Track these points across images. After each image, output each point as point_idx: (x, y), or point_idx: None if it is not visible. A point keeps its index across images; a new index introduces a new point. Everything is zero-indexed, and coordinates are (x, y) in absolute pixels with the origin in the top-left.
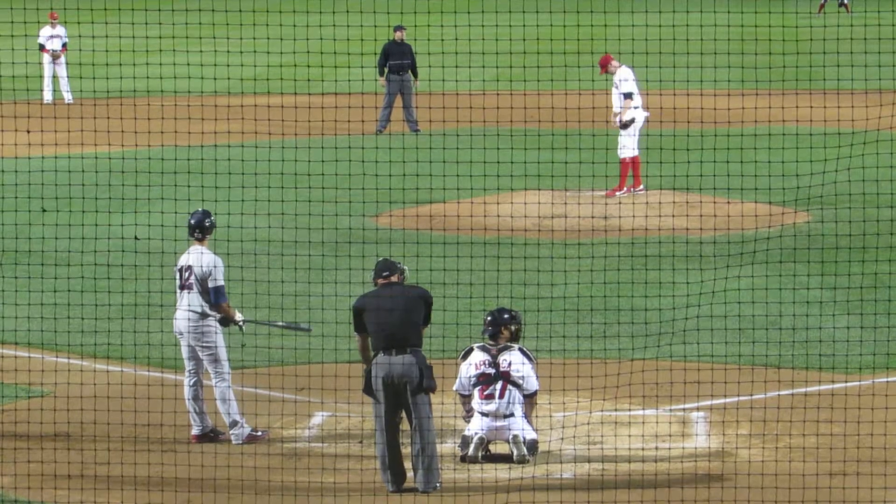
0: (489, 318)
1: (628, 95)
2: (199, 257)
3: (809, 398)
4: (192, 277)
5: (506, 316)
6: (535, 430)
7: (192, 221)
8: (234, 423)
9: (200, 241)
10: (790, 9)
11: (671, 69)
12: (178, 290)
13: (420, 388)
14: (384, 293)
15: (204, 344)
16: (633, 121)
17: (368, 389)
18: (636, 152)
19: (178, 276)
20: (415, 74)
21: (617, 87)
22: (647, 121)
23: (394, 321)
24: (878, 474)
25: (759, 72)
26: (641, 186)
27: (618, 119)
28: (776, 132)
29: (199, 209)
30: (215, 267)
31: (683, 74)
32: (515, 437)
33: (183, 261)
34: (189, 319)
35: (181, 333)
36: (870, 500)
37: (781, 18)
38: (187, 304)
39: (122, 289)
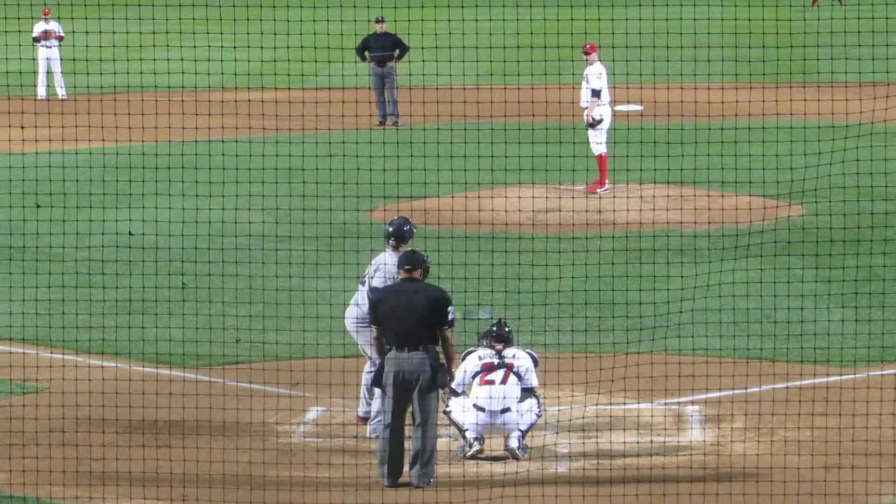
0: (495, 333)
1: (596, 93)
2: (384, 258)
3: (804, 391)
4: (377, 278)
5: (507, 329)
6: (532, 411)
7: (390, 228)
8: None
9: (395, 249)
10: (784, 2)
11: (664, 62)
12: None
13: (431, 386)
14: (403, 289)
15: (363, 339)
16: (601, 120)
17: (378, 382)
18: (605, 150)
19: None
20: (402, 52)
21: (587, 82)
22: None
23: (410, 320)
24: (873, 467)
25: (752, 65)
26: (607, 186)
27: (587, 117)
28: (769, 125)
29: (400, 216)
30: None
31: (676, 68)
32: (508, 439)
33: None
34: (356, 317)
35: (347, 329)
36: (864, 493)
37: (775, 12)
38: (359, 300)
39: (116, 284)
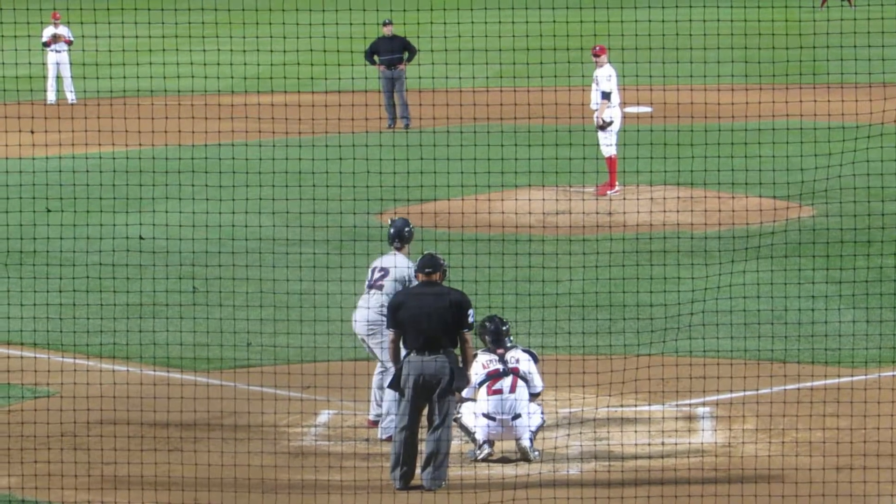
0: (492, 328)
1: (606, 95)
2: (393, 260)
3: (815, 392)
4: (386, 279)
5: (504, 328)
6: (539, 413)
7: (392, 231)
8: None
9: (399, 250)
10: (793, 3)
11: (674, 64)
12: (367, 290)
13: (449, 389)
14: (423, 292)
15: (376, 341)
16: (611, 122)
17: (396, 385)
18: (615, 151)
19: (370, 275)
20: (411, 55)
21: (597, 84)
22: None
23: (431, 324)
24: (885, 468)
25: (762, 66)
26: (617, 188)
27: (597, 118)
28: (780, 127)
29: (399, 218)
30: (409, 268)
31: (686, 69)
32: (520, 440)
33: (377, 262)
34: (368, 320)
35: (357, 332)
36: (876, 493)
37: (784, 13)
38: (373, 303)
39: (127, 288)
